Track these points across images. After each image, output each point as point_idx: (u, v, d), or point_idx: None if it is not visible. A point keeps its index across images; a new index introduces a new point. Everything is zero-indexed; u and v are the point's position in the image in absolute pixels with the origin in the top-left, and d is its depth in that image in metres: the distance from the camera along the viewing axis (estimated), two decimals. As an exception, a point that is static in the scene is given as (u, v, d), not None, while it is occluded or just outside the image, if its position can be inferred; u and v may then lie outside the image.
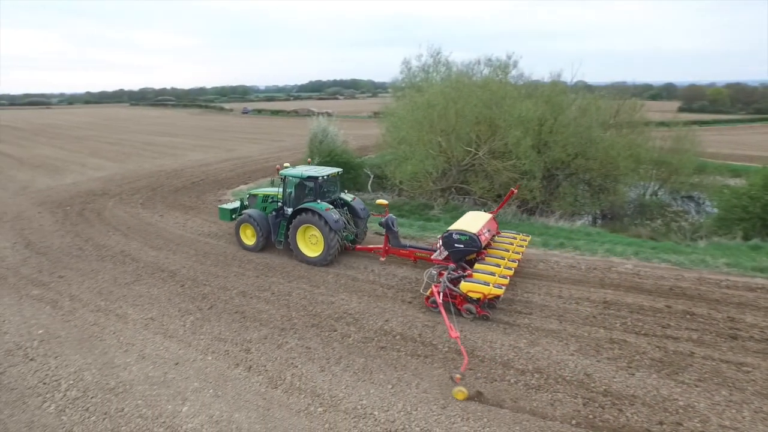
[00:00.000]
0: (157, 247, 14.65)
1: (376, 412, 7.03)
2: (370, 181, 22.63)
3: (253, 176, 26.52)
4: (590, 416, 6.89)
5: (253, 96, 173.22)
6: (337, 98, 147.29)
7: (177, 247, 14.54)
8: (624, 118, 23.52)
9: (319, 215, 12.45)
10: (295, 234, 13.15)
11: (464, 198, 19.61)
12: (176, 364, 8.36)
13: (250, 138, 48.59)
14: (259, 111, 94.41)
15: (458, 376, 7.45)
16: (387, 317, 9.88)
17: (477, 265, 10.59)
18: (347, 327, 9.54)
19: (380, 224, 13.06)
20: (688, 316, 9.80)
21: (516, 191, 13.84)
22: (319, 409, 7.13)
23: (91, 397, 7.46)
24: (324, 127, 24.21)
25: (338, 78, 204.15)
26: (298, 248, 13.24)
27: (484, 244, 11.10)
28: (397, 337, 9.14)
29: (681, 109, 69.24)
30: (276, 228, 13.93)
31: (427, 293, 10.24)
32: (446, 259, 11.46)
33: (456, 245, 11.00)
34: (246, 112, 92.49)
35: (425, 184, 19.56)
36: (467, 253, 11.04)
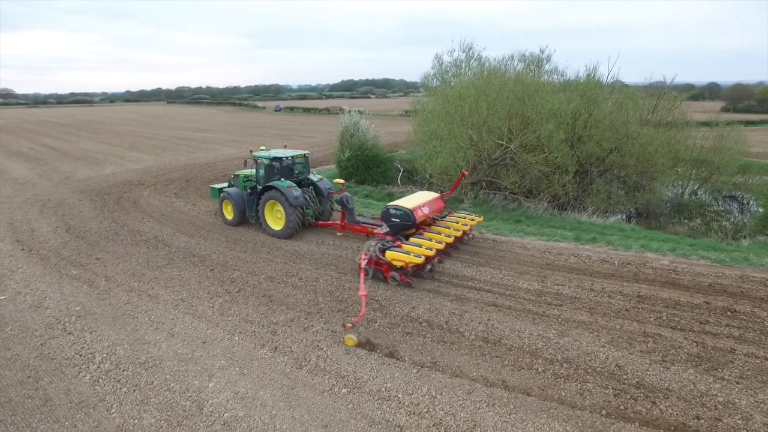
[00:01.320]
0: (189, 233, 14.99)
1: (400, 395, 6.97)
2: (399, 175, 22.55)
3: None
4: (621, 407, 6.64)
5: (285, 95, 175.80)
6: (369, 97, 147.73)
7: (208, 234, 14.85)
8: (662, 115, 22.70)
9: (282, 192, 13.64)
10: (263, 209, 14.49)
11: (495, 193, 19.26)
12: (204, 342, 8.51)
13: (282, 134, 49.21)
14: (291, 109, 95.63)
15: (349, 325, 8.42)
16: (414, 304, 9.81)
17: (411, 239, 11.51)
18: (373, 312, 9.51)
19: (336, 202, 14.43)
20: (729, 313, 9.35)
21: (466, 173, 14.50)
22: (343, 390, 7.12)
23: (123, 370, 7.67)
24: (355, 121, 24.24)
25: (370, 77, 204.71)
26: (265, 222, 14.59)
27: (419, 220, 12.00)
28: (424, 323, 9.05)
29: (725, 110, 66.27)
30: (250, 204, 15.25)
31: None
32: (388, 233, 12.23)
33: (392, 219, 11.96)
34: (278, 110, 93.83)
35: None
36: (403, 227, 11.98)
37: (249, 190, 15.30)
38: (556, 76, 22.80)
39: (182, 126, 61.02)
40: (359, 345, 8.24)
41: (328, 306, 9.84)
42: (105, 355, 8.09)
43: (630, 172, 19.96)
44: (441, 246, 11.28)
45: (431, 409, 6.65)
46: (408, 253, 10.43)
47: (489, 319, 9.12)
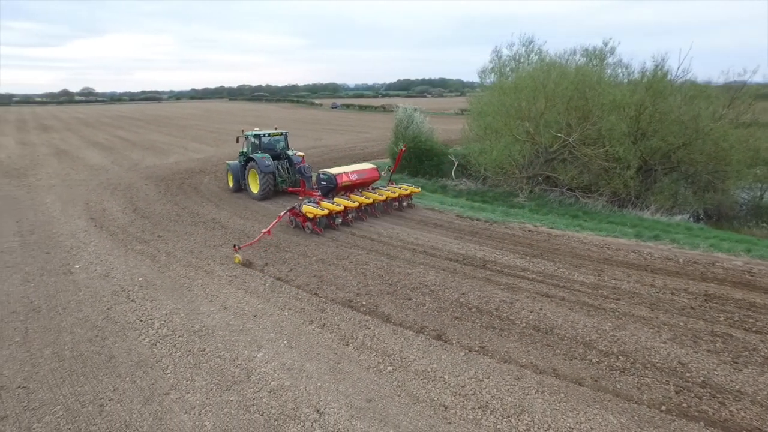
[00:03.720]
0: (245, 217, 15.51)
1: (446, 376, 6.86)
2: (454, 168, 22.24)
3: (338, 161, 27.16)
4: (684, 405, 6.19)
5: (342, 93, 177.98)
6: (425, 96, 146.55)
7: (263, 218, 15.28)
8: (740, 110, 21.00)
9: (256, 162, 16.97)
10: (248, 177, 18.07)
11: (551, 189, 18.57)
12: (255, 316, 8.75)
13: (338, 129, 50.03)
14: (348, 106, 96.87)
15: (237, 247, 11.40)
16: (464, 291, 9.64)
17: (336, 199, 14.07)
18: (422, 297, 9.43)
19: (296, 172, 17.27)
20: (812, 318, 8.53)
21: (405, 149, 17.19)
22: (389, 368, 7.10)
23: (179, 336, 8.03)
24: (410, 114, 24.17)
25: (427, 77, 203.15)
26: (248, 187, 18.10)
27: (342, 184, 14.33)
28: (473, 309, 8.87)
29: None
30: (243, 174, 18.54)
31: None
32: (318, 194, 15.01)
33: (322, 182, 14.53)
34: (335, 107, 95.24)
35: (510, 171, 18.86)
36: (329, 189, 14.38)
37: (242, 163, 18.50)
38: (620, 70, 21.69)
39: (242, 121, 63.22)
40: (243, 264, 11.10)
41: (378, 288, 9.85)
42: (163, 322, 8.51)
43: (699, 170, 18.64)
44: (353, 204, 13.91)
45: (477, 392, 6.49)
46: (317, 207, 13.07)
47: (541, 309, 8.81)
